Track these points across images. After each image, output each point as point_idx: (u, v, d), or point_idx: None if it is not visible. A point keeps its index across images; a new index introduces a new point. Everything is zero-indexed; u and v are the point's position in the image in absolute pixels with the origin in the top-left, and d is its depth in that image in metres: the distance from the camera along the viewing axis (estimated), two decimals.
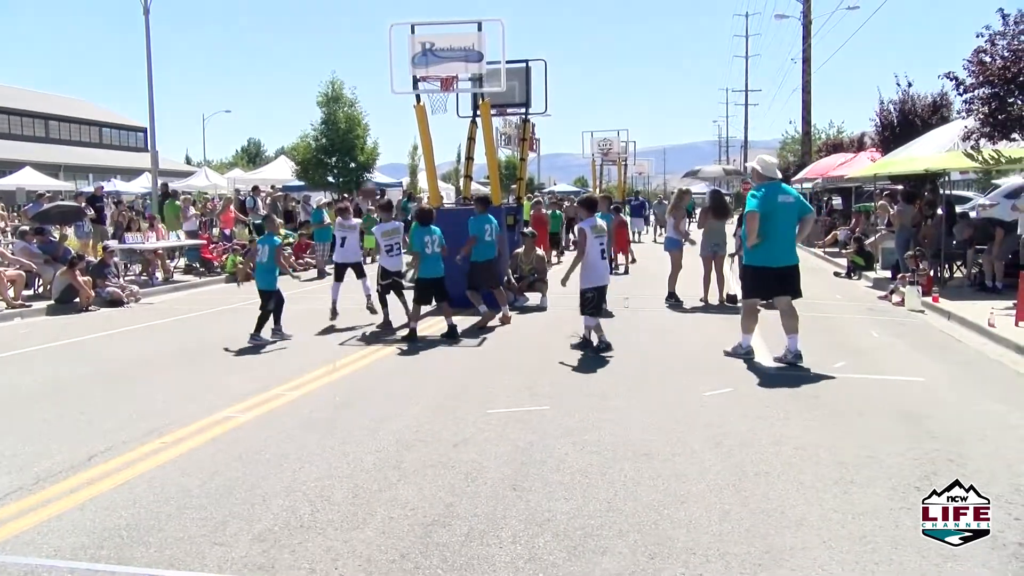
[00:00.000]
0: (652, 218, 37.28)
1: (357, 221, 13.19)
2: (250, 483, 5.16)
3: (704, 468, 5.32)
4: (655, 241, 31.39)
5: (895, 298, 13.15)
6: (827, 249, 22.92)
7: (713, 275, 13.46)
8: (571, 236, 30.08)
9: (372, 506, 4.75)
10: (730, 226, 14.04)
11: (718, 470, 5.28)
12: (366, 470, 5.39)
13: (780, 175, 9.15)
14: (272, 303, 10.50)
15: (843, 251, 20.13)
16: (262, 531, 4.41)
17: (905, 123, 21.42)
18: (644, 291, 15.29)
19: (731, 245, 13.45)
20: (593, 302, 9.30)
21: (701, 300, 13.38)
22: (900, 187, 20.00)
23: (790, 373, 8.15)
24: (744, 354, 8.91)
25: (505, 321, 11.60)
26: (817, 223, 29.72)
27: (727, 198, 15.55)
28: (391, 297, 11.58)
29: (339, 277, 12.32)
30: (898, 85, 21.95)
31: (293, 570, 3.95)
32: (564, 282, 9.88)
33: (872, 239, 18.41)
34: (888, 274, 16.10)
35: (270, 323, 10.50)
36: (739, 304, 12.40)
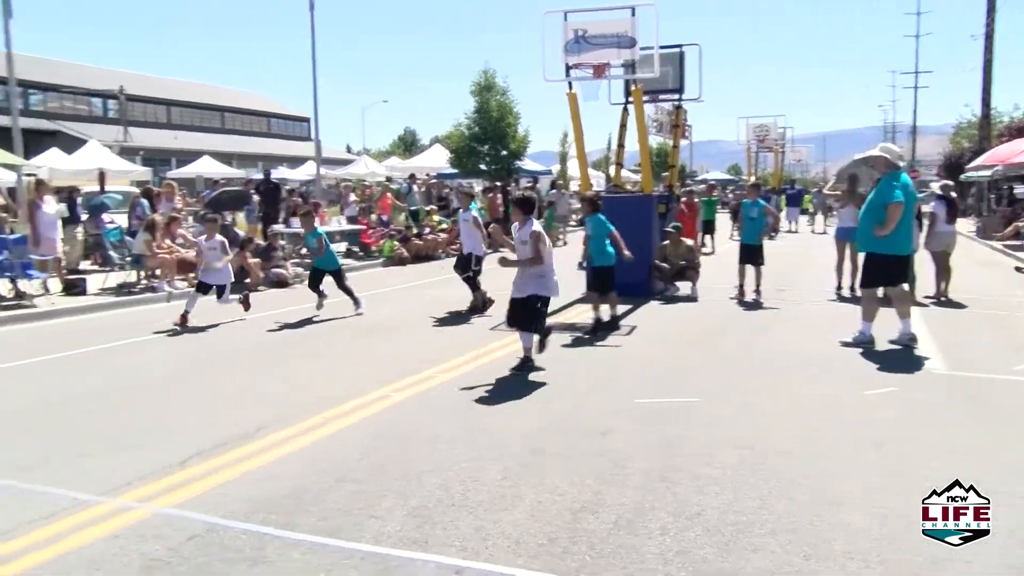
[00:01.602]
0: (810, 207, 35.72)
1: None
2: (404, 460, 5.36)
3: (863, 470, 5.08)
4: (812, 231, 30.13)
5: None
6: (1008, 242, 21.25)
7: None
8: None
9: (521, 489, 4.83)
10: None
11: (878, 473, 5.03)
12: (514, 454, 5.48)
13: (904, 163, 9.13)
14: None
15: None
16: (416, 507, 4.58)
17: None
18: (797, 282, 14.74)
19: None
20: (543, 313, 8.01)
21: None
22: None
23: (958, 374, 7.65)
24: (865, 342, 8.85)
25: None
26: (995, 213, 27.79)
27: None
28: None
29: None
30: None
31: (445, 546, 4.07)
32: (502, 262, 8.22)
33: None
34: None
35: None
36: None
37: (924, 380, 7.45)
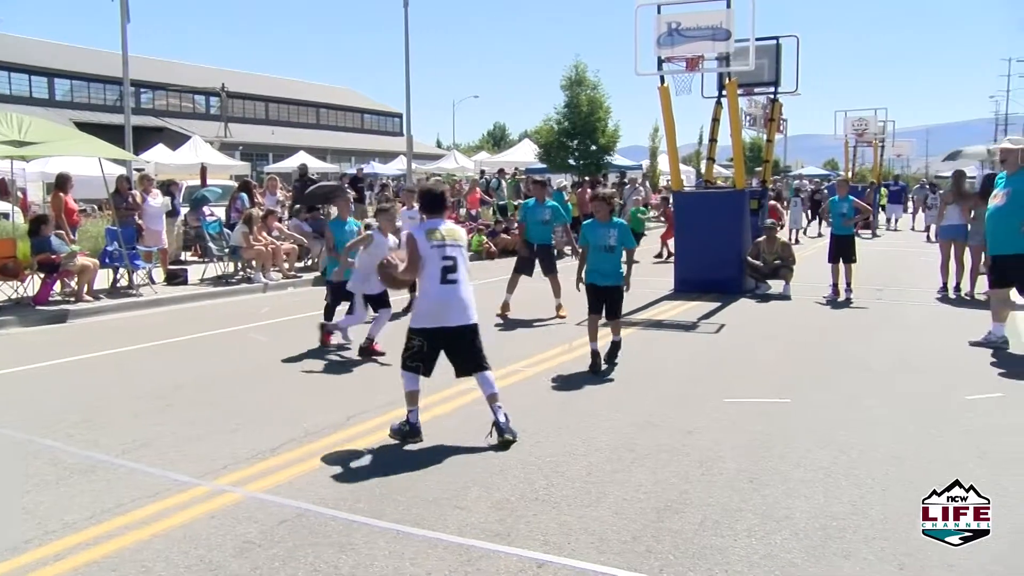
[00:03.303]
0: (911, 204, 34.39)
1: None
2: (490, 453, 5.40)
3: (965, 478, 4.83)
4: (913, 229, 29.00)
5: None
6: None
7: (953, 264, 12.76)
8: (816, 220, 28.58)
9: (605, 485, 4.81)
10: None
11: (982, 484, 4.77)
12: (599, 449, 5.46)
13: None
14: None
15: None
16: (500, 500, 4.61)
17: None
18: (897, 281, 14.22)
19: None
20: (418, 353, 5.75)
21: (967, 295, 12.27)
22: None
23: None
24: (999, 343, 8.46)
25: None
26: None
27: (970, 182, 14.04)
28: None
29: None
30: None
31: (528, 540, 4.09)
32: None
33: None
34: None
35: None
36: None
37: None
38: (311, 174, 21.00)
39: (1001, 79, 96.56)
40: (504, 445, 5.50)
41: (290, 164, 40.30)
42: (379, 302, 8.82)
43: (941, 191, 21.86)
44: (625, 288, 8.05)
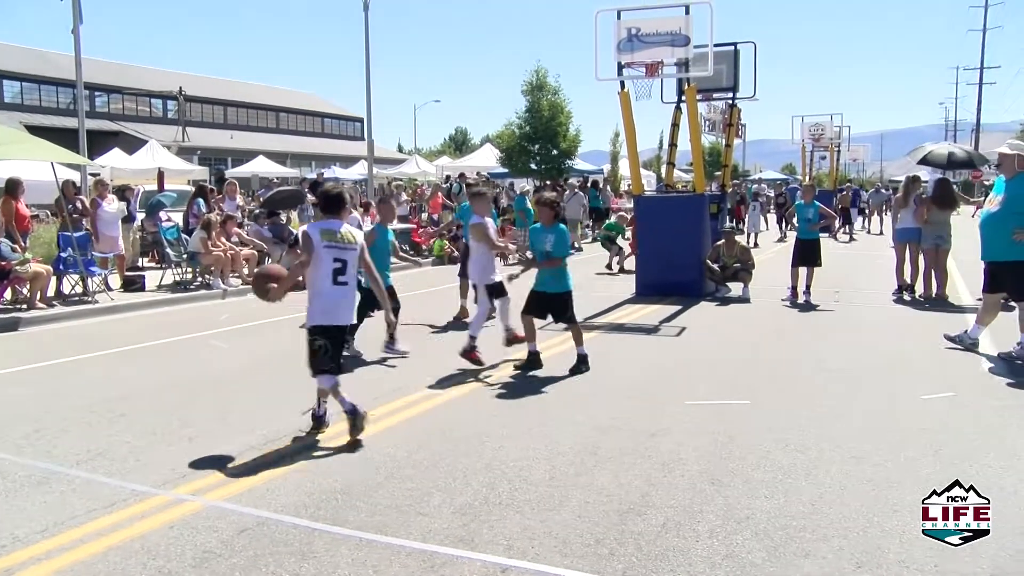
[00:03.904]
0: (867, 208, 35.00)
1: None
2: (452, 458, 5.38)
3: (920, 477, 4.95)
4: (868, 232, 29.51)
5: None
6: None
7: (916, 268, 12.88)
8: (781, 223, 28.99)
9: (568, 489, 4.82)
10: (955, 217, 13.05)
11: (936, 481, 4.87)
12: (563, 453, 5.47)
13: None
14: None
15: None
16: (463, 505, 4.59)
17: None
18: (854, 284, 14.46)
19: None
20: (323, 352, 5.79)
21: (921, 296, 12.51)
22: None
23: (1021, 380, 7.41)
24: (971, 344, 8.55)
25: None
26: None
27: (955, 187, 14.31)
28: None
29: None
30: None
31: (491, 545, 4.08)
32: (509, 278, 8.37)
33: None
34: None
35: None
36: (949, 300, 12.01)
37: (985, 385, 7.24)
38: (274, 178, 20.78)
39: (950, 86, 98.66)
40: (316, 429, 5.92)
41: (249, 169, 39.93)
42: (498, 291, 8.68)
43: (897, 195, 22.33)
44: (509, 278, 8.23)
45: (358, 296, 6.05)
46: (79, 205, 13.78)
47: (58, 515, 4.48)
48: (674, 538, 4.13)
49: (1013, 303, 8.46)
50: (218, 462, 5.35)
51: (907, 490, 4.73)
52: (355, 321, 6.25)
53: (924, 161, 14.89)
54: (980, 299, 8.99)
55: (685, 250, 13.31)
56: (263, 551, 4.03)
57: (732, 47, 15.55)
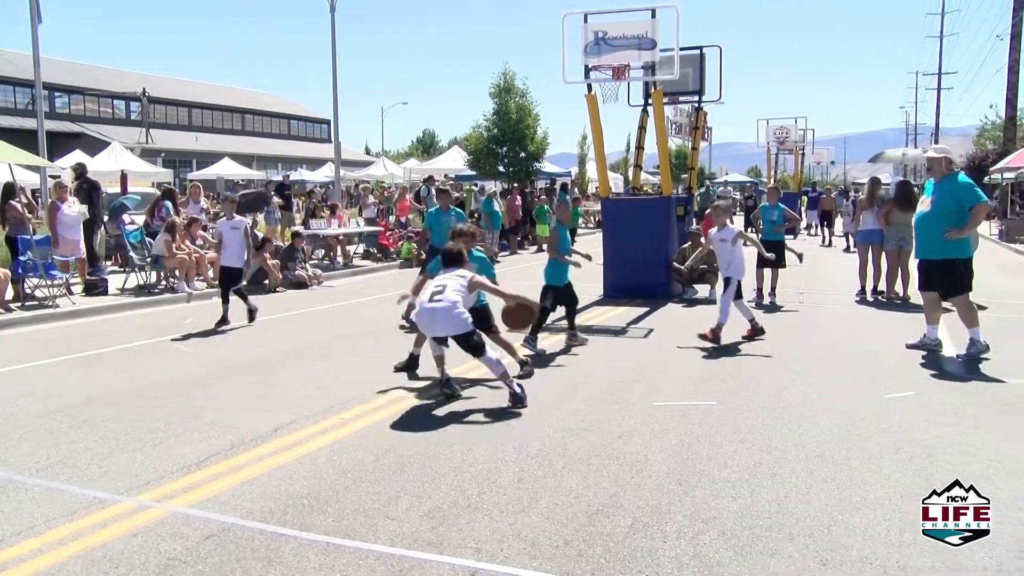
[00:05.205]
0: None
1: None
2: (421, 462, 5.36)
3: (883, 475, 5.03)
4: (831, 234, 29.84)
5: None
6: None
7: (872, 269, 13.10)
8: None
9: (537, 491, 4.82)
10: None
11: (898, 478, 4.98)
12: (531, 455, 5.47)
13: None
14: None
15: None
16: (431, 508, 4.58)
17: None
18: (818, 285, 14.64)
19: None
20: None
21: (884, 297, 12.71)
22: None
23: (979, 379, 7.55)
24: (933, 345, 8.72)
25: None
26: (1020, 216, 27.49)
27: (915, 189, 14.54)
28: None
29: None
30: None
31: (460, 548, 4.07)
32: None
33: None
34: None
35: None
36: (911, 301, 12.11)
37: (946, 385, 7.37)
38: (240, 181, 20.55)
39: (910, 91, 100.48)
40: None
41: (214, 171, 39.47)
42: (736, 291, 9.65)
43: (854, 197, 22.68)
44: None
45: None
46: (17, 208, 13.10)
47: (15, 525, 4.40)
48: (642, 539, 4.15)
49: (947, 303, 8.77)
50: (184, 468, 5.28)
51: (870, 488, 4.80)
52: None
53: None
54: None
55: (652, 252, 13.40)
56: (229, 557, 3.99)
57: (698, 51, 15.67)
